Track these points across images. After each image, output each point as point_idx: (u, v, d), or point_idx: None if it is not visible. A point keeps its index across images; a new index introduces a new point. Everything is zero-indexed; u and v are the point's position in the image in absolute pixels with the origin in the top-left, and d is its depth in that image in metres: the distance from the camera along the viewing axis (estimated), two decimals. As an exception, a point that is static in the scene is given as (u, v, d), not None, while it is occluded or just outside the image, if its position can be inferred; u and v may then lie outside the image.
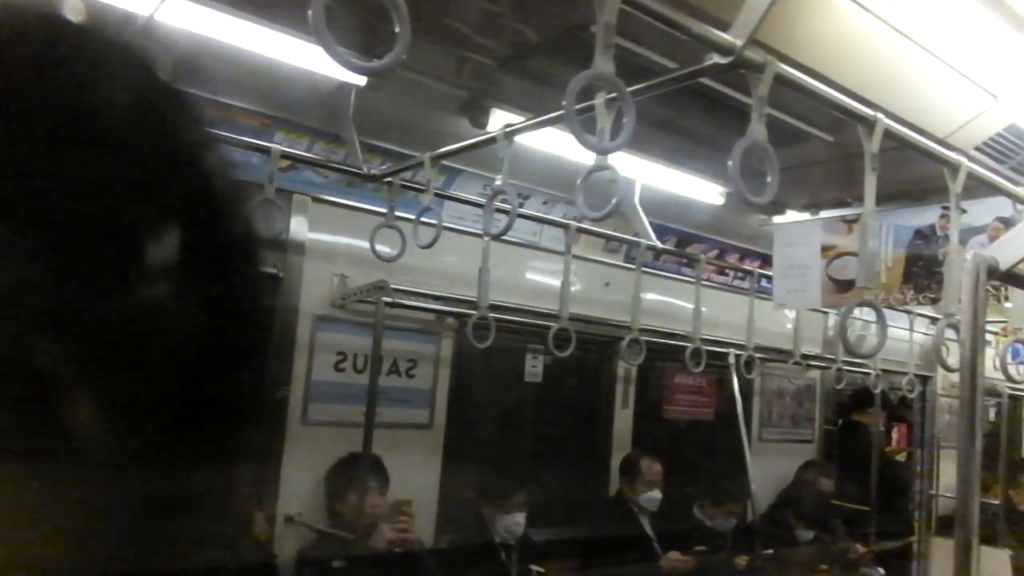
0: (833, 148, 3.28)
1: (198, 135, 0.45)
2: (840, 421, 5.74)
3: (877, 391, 4.90)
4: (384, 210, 2.95)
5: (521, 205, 3.37)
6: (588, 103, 1.69)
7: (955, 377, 1.71)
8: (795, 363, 4.44)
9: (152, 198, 0.39)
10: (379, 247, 2.94)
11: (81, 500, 0.37)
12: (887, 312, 2.09)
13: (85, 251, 0.36)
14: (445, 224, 2.81)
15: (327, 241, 3.39)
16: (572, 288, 3.28)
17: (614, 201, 1.80)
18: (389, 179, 2.99)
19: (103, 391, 0.37)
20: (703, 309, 3.74)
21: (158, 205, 0.40)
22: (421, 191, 2.86)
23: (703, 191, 3.69)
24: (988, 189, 2.42)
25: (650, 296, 4.14)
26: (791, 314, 4.57)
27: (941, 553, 4.57)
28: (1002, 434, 5.39)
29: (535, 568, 3.53)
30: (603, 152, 1.68)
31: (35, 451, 0.36)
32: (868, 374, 4.82)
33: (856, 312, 2.04)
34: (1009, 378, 2.63)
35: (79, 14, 0.40)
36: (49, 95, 0.37)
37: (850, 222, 3.29)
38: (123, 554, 0.39)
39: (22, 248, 0.35)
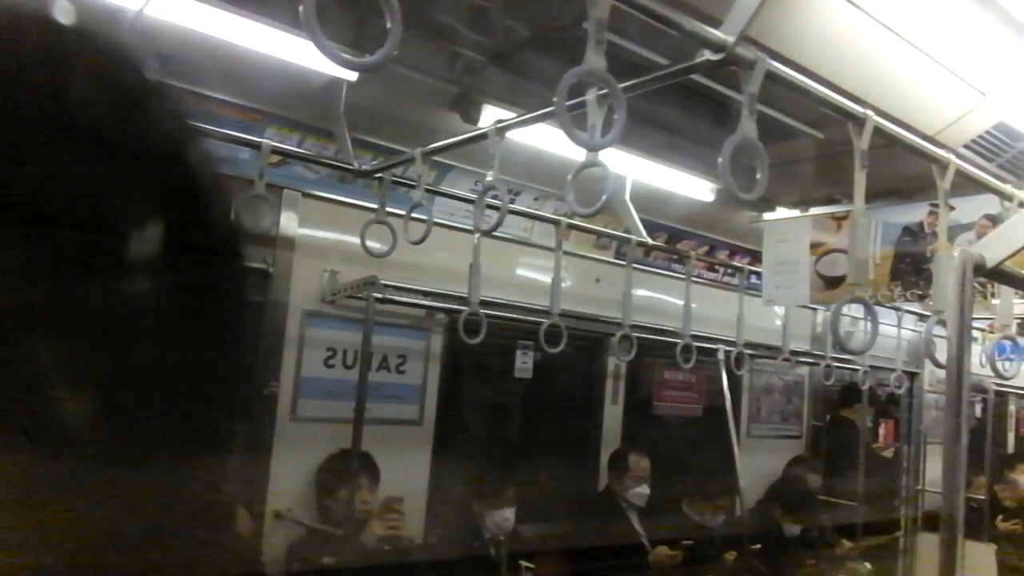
0: (823, 145, 3.29)
1: (184, 131, 0.45)
2: (828, 417, 5.77)
3: (865, 387, 4.93)
4: (375, 206, 2.94)
5: (512, 201, 3.38)
6: (579, 99, 1.69)
7: (941, 373, 1.73)
8: (784, 359, 4.46)
9: (138, 194, 0.39)
10: (370, 243, 2.94)
11: (67, 495, 0.37)
12: (876, 309, 2.10)
13: (71, 247, 0.36)
14: (436, 220, 2.81)
15: (317, 237, 3.38)
16: (563, 284, 3.28)
17: (604, 197, 1.80)
18: (380, 175, 2.98)
19: (88, 386, 0.37)
20: (693, 305, 3.75)
21: (144, 201, 0.39)
22: (412, 187, 2.86)
23: (693, 187, 3.70)
24: (976, 186, 2.43)
25: (640, 292, 4.14)
26: (780, 310, 4.59)
27: (927, 548, 4.60)
28: (987, 430, 5.44)
29: (524, 564, 3.53)
30: (594, 148, 1.68)
31: (19, 446, 0.35)
32: (856, 370, 4.85)
33: (845, 308, 2.05)
34: (998, 374, 2.64)
35: (65, 10, 0.40)
36: (34, 91, 0.37)
37: (839, 219, 3.31)
38: (111, 550, 0.38)
39: (9, 243, 0.35)
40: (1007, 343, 2.70)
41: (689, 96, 2.89)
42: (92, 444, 0.37)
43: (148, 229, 0.39)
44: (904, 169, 2.73)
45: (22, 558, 0.36)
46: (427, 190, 2.88)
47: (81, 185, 0.37)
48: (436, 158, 3.04)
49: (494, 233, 2.69)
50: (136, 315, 0.38)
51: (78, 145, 0.37)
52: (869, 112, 1.97)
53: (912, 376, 4.99)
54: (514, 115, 2.46)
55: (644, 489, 4.11)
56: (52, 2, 0.39)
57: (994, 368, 2.60)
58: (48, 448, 0.36)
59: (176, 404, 0.40)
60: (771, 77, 1.76)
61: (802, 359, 4.99)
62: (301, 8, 1.29)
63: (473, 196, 2.95)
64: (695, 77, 2.30)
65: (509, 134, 2.40)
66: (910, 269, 3.25)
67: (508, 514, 3.55)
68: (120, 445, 0.38)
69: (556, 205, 3.85)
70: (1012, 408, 6.95)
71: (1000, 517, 5.33)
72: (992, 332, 3.55)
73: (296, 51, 2.40)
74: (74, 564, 0.37)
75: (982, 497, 5.07)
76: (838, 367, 4.73)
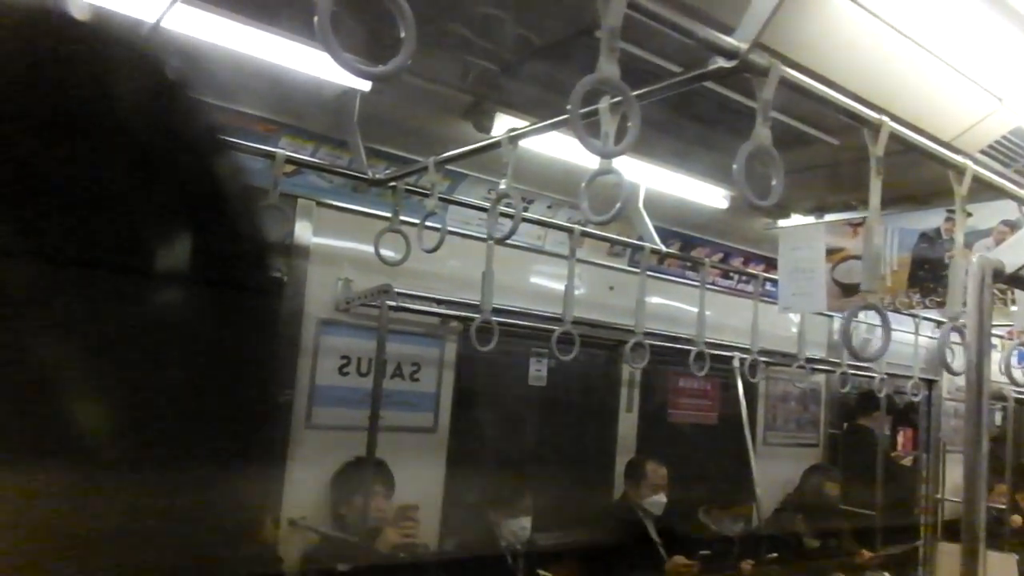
0: (838, 151, 3.27)
1: (211, 139, 0.45)
2: (845, 425, 5.72)
3: (882, 395, 4.88)
4: (389, 214, 2.95)
5: (525, 209, 3.37)
6: (592, 107, 1.69)
7: (961, 381, 1.71)
8: (800, 367, 4.43)
9: (160, 202, 0.39)
10: (383, 251, 2.94)
11: (86, 502, 0.37)
12: (892, 315, 2.08)
13: (93, 253, 0.36)
14: (449, 228, 2.81)
15: (332, 245, 3.39)
16: (576, 292, 3.27)
17: (618, 205, 1.80)
18: (393, 184, 2.99)
19: (108, 393, 0.37)
20: (707, 313, 3.74)
21: (165, 209, 0.40)
22: (426, 195, 2.86)
23: (707, 195, 3.69)
24: (993, 192, 2.41)
25: (654, 300, 4.13)
26: (796, 318, 4.56)
27: (947, 558, 4.55)
28: (1008, 438, 5.37)
29: (541, 572, 3.52)
30: (607, 156, 1.68)
31: (40, 453, 0.36)
32: (873, 378, 4.80)
33: (861, 315, 2.03)
34: (1014, 382, 2.61)
35: (93, 20, 0.40)
36: (64, 98, 0.37)
37: (855, 225, 3.28)
38: (128, 556, 0.39)
39: (31, 246, 0.35)
40: (1025, 350, 2.67)
41: (703, 103, 2.88)
42: (110, 449, 0.37)
43: (169, 236, 0.39)
44: (920, 175, 2.71)
45: (41, 558, 0.36)
46: (440, 199, 2.88)
47: (104, 190, 0.37)
48: (449, 167, 3.05)
49: (508, 241, 2.69)
50: (155, 321, 0.38)
51: (102, 151, 0.37)
52: (884, 118, 1.96)
53: (930, 384, 4.93)
54: (527, 123, 2.46)
55: (661, 497, 4.08)
56: (77, 13, 0.40)
57: (1011, 376, 2.57)
58: (69, 454, 0.36)
59: (195, 411, 0.40)
60: (785, 83, 1.75)
61: (818, 367, 4.95)
62: (315, 19, 1.30)
63: (486, 204, 2.95)
64: (709, 84, 2.30)
65: (522, 142, 2.40)
66: (928, 276, 3.22)
67: (525, 522, 3.54)
68: (138, 451, 0.38)
69: (569, 213, 3.85)
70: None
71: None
72: (1011, 339, 3.51)
73: (310, 62, 2.41)
74: (94, 567, 0.37)
75: (1003, 506, 5.01)
76: (855, 375, 4.69)
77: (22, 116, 0.36)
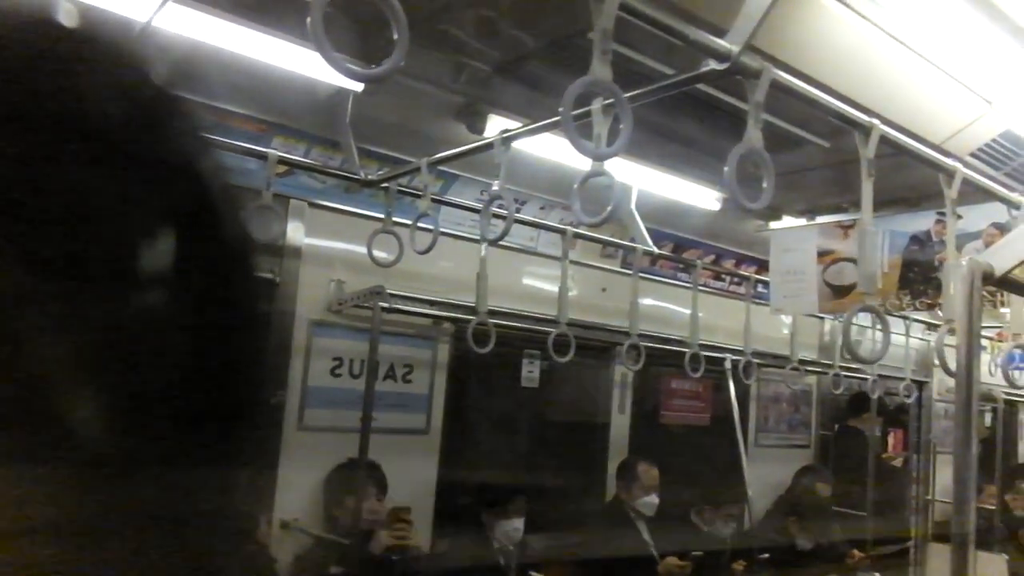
0: (829, 154, 3.29)
1: (194, 140, 0.45)
2: (836, 426, 5.74)
3: (874, 396, 4.90)
4: (381, 215, 2.95)
5: (518, 210, 3.38)
6: (585, 109, 1.69)
7: (951, 382, 1.72)
8: (792, 368, 4.45)
9: (147, 203, 0.39)
10: (376, 252, 2.94)
11: (75, 504, 0.37)
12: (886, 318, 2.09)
13: (79, 257, 0.36)
14: (442, 229, 2.81)
15: (324, 246, 3.39)
16: (569, 293, 3.28)
17: (610, 207, 1.80)
18: (386, 184, 2.99)
19: (97, 397, 0.37)
20: (700, 314, 3.74)
21: (153, 210, 0.40)
22: (418, 196, 2.86)
23: (699, 196, 3.70)
24: (983, 195, 2.43)
25: (647, 301, 4.14)
26: (787, 319, 4.58)
27: (938, 558, 4.57)
28: (998, 439, 5.40)
29: (533, 574, 3.52)
30: (599, 158, 1.68)
31: (29, 456, 0.36)
32: (865, 379, 4.82)
33: (853, 318, 2.04)
34: (1011, 383, 2.62)
35: (74, 18, 0.40)
36: (43, 100, 0.37)
37: (846, 227, 3.29)
38: (119, 560, 0.38)
39: (15, 252, 0.35)
40: (1018, 352, 2.68)
41: (695, 106, 2.89)
42: (99, 452, 0.37)
43: (156, 239, 0.39)
44: (911, 178, 2.72)
45: (31, 559, 0.36)
46: (433, 200, 2.88)
47: (88, 194, 0.37)
48: (442, 168, 3.05)
49: (500, 242, 2.69)
50: (143, 325, 0.38)
51: (85, 154, 0.37)
52: (875, 121, 1.97)
53: (921, 385, 4.96)
54: (520, 125, 2.46)
55: (653, 499, 4.09)
56: (59, 12, 0.40)
57: (1007, 377, 2.58)
58: (57, 457, 0.36)
59: (185, 414, 0.40)
60: (777, 86, 1.76)
61: (810, 368, 4.97)
62: (309, 20, 1.30)
63: (479, 205, 2.95)
64: (702, 87, 2.30)
65: (515, 143, 2.40)
66: (918, 278, 3.23)
67: (517, 524, 3.54)
68: (127, 454, 0.38)
69: (562, 214, 3.85)
70: (1022, 417, 6.90)
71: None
72: (1001, 341, 3.54)
73: (303, 62, 2.41)
74: (82, 568, 0.37)
75: (992, 507, 5.04)
76: (847, 376, 4.71)
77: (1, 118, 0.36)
